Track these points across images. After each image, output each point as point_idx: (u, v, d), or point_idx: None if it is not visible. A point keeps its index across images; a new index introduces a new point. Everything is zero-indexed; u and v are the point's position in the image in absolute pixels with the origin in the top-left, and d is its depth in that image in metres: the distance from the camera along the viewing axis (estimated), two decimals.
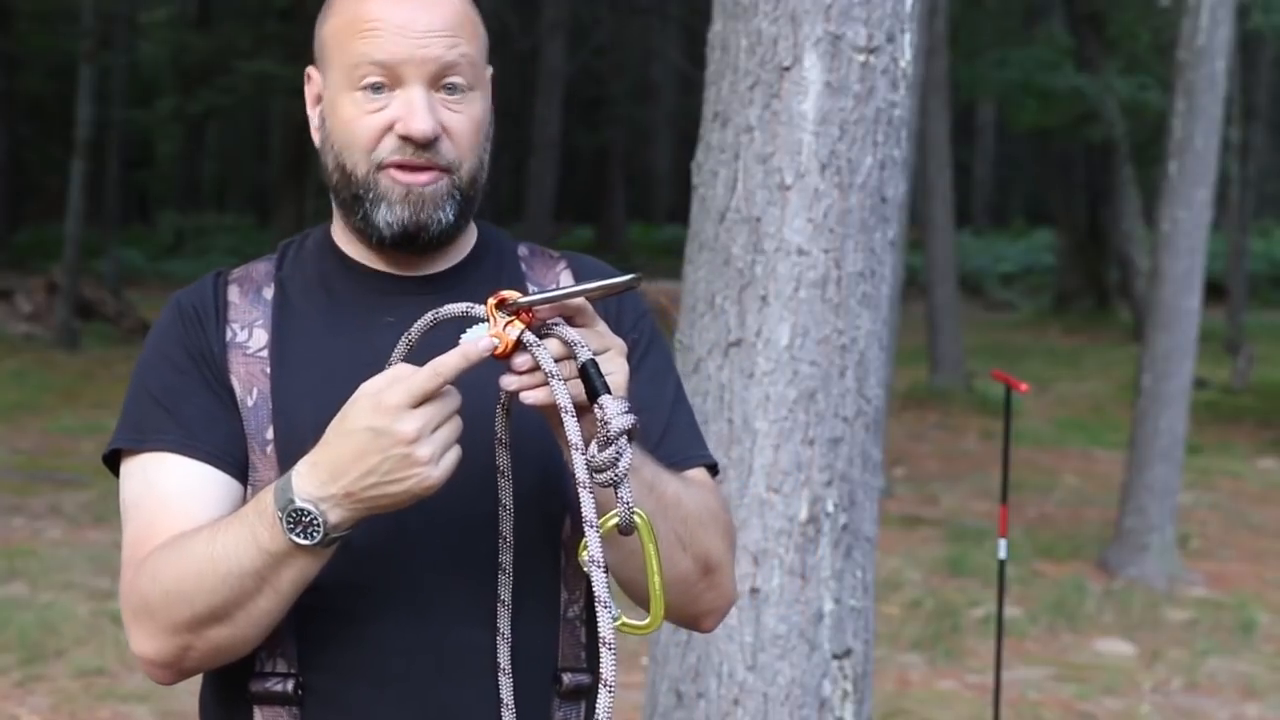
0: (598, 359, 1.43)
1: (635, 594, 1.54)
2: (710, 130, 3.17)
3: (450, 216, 1.60)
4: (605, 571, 1.39)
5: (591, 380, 1.41)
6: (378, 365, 1.53)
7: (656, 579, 1.45)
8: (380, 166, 1.57)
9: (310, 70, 1.66)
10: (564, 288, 1.45)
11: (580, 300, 1.44)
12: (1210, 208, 8.25)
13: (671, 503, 1.55)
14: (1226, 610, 7.44)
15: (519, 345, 1.42)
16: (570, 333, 1.43)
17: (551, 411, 1.43)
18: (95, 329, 16.13)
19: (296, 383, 1.60)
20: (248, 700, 1.57)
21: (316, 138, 1.65)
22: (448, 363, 1.41)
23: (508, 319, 1.42)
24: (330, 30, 1.61)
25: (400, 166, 1.57)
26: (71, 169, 16.48)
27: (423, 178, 1.57)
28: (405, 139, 1.56)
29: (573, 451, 1.40)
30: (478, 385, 1.48)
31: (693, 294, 3.20)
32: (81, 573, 6.99)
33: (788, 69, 3.01)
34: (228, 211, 33.18)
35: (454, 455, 1.43)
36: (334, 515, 1.43)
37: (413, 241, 1.60)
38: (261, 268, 1.68)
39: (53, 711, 5.33)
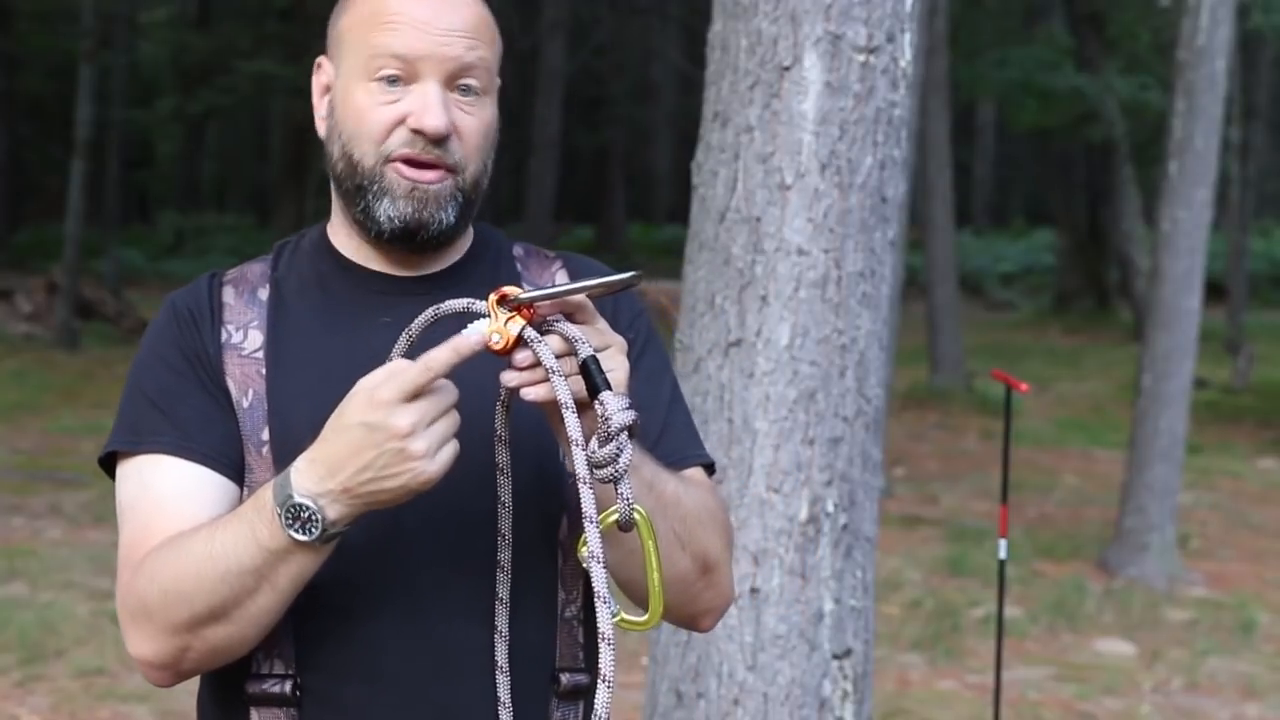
0: (598, 356, 1.43)
1: (634, 594, 1.54)
2: (710, 130, 3.16)
3: (451, 217, 1.60)
4: (604, 567, 1.39)
5: (592, 376, 1.41)
6: (375, 365, 1.52)
7: (656, 575, 1.45)
8: (388, 159, 1.58)
9: (322, 59, 1.66)
10: (565, 285, 1.45)
11: (581, 297, 1.44)
12: (1210, 207, 8.25)
13: (670, 501, 1.55)
14: (1226, 610, 7.44)
15: (520, 341, 1.42)
16: (571, 329, 1.43)
17: (551, 408, 1.43)
18: (95, 329, 16.13)
19: (292, 384, 1.60)
20: (245, 701, 1.57)
21: (322, 127, 1.65)
22: (438, 357, 1.41)
23: (509, 314, 1.42)
24: (350, 20, 1.61)
25: (408, 161, 1.57)
26: (71, 169, 16.48)
27: (429, 175, 1.57)
28: (417, 133, 1.56)
29: (573, 447, 1.40)
30: (477, 383, 1.48)
31: (693, 294, 3.20)
32: (81, 573, 6.99)
33: (788, 69, 3.01)
34: (228, 211, 33.19)
35: (450, 450, 1.43)
36: (332, 511, 1.43)
37: (411, 238, 1.60)
38: (256, 269, 1.68)
39: (53, 711, 5.33)
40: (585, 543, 1.40)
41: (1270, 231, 26.61)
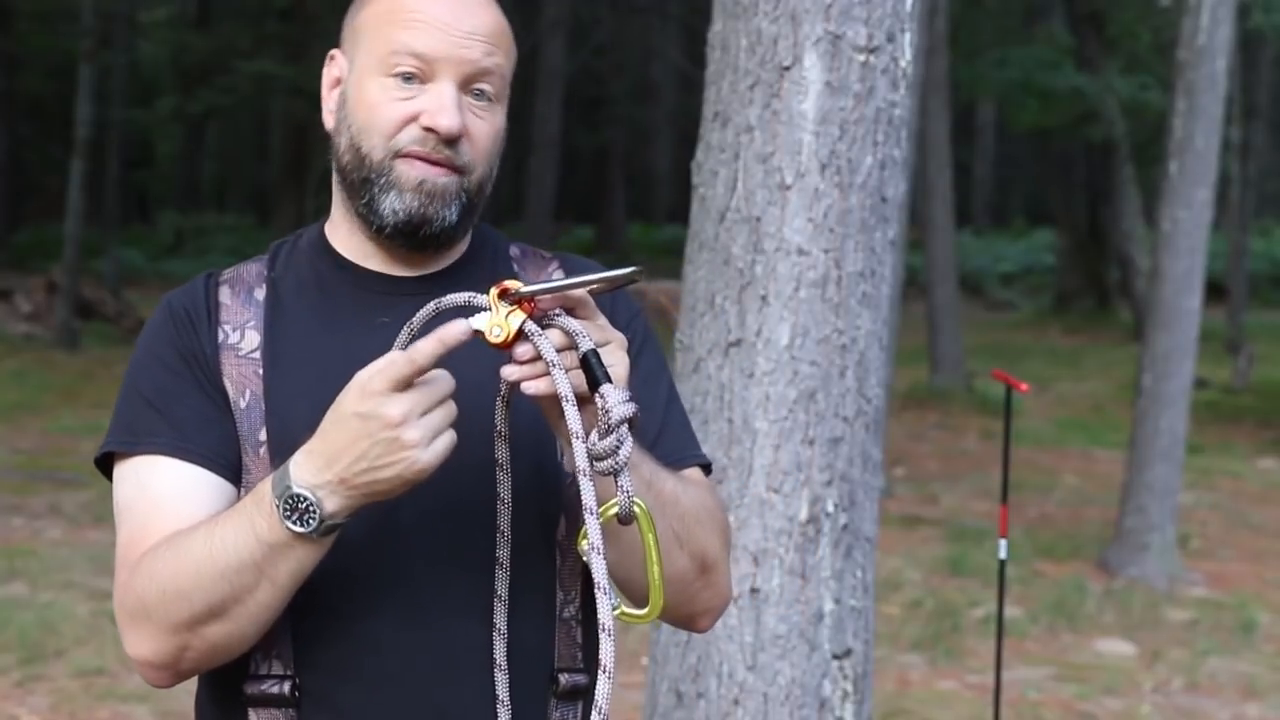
0: (599, 351, 1.43)
1: (632, 593, 1.54)
2: (710, 130, 3.16)
3: (454, 216, 1.60)
4: (604, 559, 1.39)
5: (593, 370, 1.41)
6: None
7: (655, 569, 1.45)
8: (397, 154, 1.58)
9: (335, 52, 1.67)
10: (566, 279, 1.45)
11: (581, 293, 1.44)
12: (1210, 207, 8.25)
13: (669, 500, 1.55)
14: (1227, 610, 7.44)
15: (520, 335, 1.42)
16: (572, 323, 1.43)
17: (550, 403, 1.43)
18: (95, 329, 16.13)
19: (290, 384, 1.60)
20: (243, 702, 1.57)
21: (330, 120, 1.66)
22: (423, 349, 1.41)
23: (509, 308, 1.42)
24: (369, 15, 1.62)
25: (418, 158, 1.58)
26: (71, 169, 16.48)
27: (438, 170, 1.58)
28: (429, 131, 1.57)
29: (573, 440, 1.40)
30: (475, 380, 1.48)
31: (693, 294, 3.20)
32: (81, 573, 6.99)
33: (788, 69, 3.01)
34: (228, 211, 33.18)
35: (446, 440, 1.43)
36: (330, 503, 1.43)
37: (414, 234, 1.60)
38: (253, 269, 1.68)
39: (52, 711, 5.33)
40: (585, 535, 1.40)
41: (1270, 231, 26.61)
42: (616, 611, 1.40)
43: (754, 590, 3.05)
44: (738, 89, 3.08)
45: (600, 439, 1.40)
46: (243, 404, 1.59)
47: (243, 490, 1.58)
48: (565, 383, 1.40)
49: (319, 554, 1.47)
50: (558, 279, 1.69)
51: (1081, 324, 21.03)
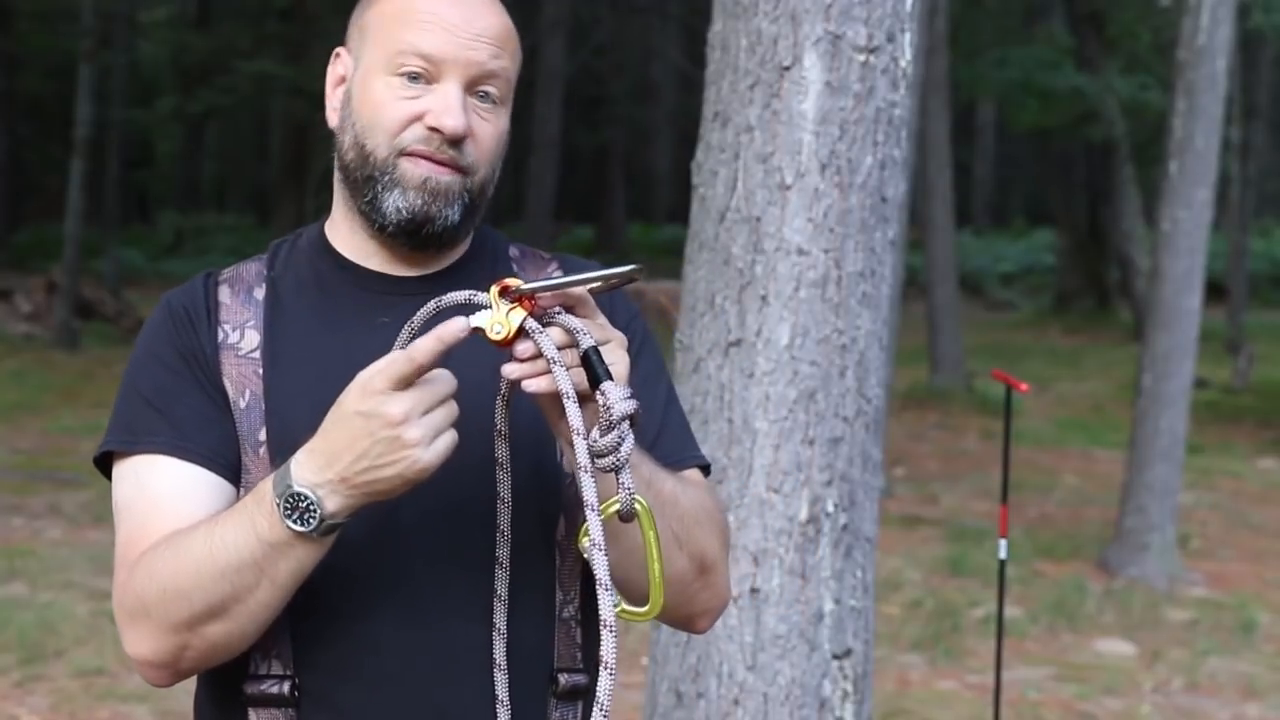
0: (599, 348, 1.43)
1: (630, 594, 1.54)
2: (710, 130, 3.16)
3: (456, 216, 1.61)
4: (606, 555, 1.39)
5: (594, 367, 1.41)
6: None
7: (656, 566, 1.45)
8: (402, 152, 1.59)
9: (340, 50, 1.67)
10: (566, 277, 1.45)
11: (581, 291, 1.44)
12: (1210, 207, 8.25)
13: (669, 501, 1.55)
14: (1227, 610, 7.44)
15: (521, 332, 1.41)
16: (573, 321, 1.43)
17: (551, 402, 1.43)
18: (95, 329, 16.13)
19: (290, 383, 1.60)
20: (243, 702, 1.57)
21: (334, 117, 1.66)
22: (422, 347, 1.41)
23: (510, 306, 1.42)
24: (377, 14, 1.62)
25: (423, 157, 1.58)
26: (71, 169, 16.48)
27: (442, 169, 1.59)
28: (434, 131, 1.57)
29: (574, 437, 1.40)
30: (475, 379, 1.48)
31: (693, 294, 3.20)
32: (81, 573, 6.99)
33: (788, 69, 3.01)
34: (228, 211, 33.18)
35: (447, 440, 1.43)
36: (330, 502, 1.43)
37: (416, 232, 1.60)
38: (252, 268, 1.68)
39: (52, 711, 5.33)
40: (587, 532, 1.40)
41: (1270, 231, 26.61)
42: (618, 609, 1.40)
43: (754, 590, 3.05)
44: (738, 89, 3.08)
45: (601, 436, 1.40)
46: (242, 404, 1.59)
47: (242, 490, 1.58)
48: (566, 380, 1.40)
49: (319, 553, 1.47)
50: (558, 278, 1.70)
51: (1081, 324, 21.03)
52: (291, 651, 1.56)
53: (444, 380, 1.43)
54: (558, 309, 1.43)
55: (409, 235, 1.61)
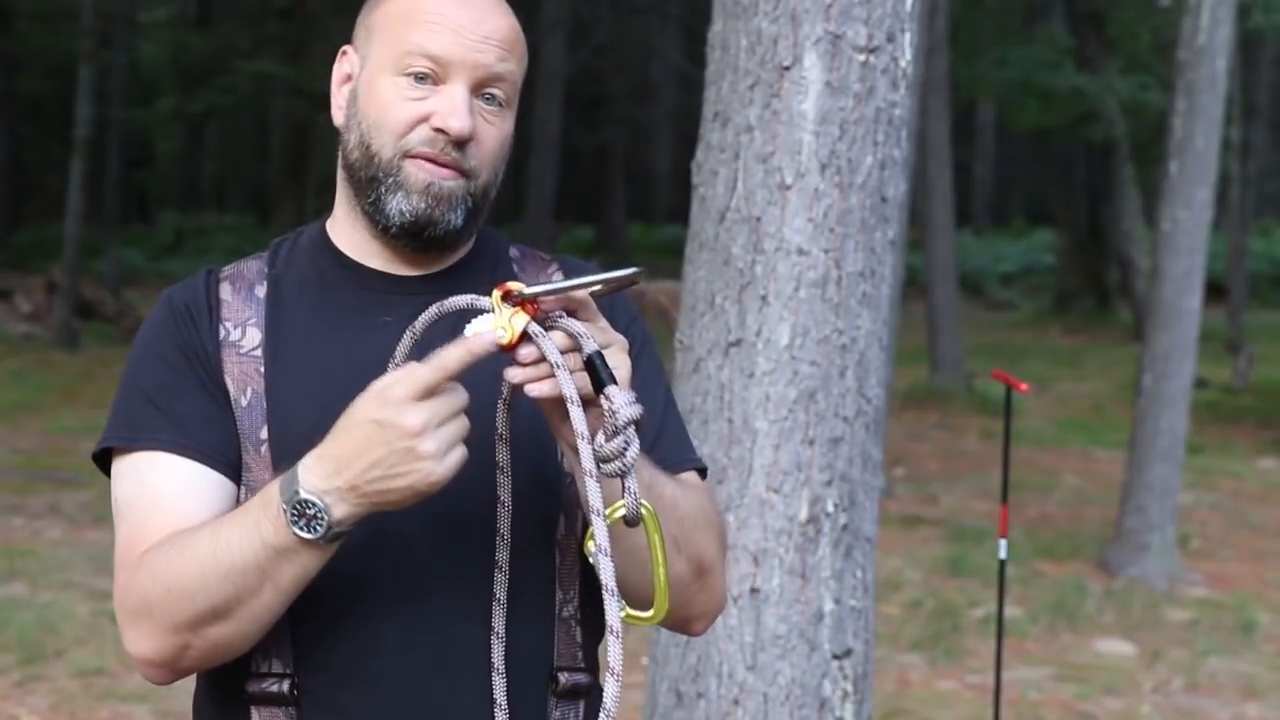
0: (602, 352, 1.43)
1: (630, 595, 1.54)
2: (710, 130, 3.16)
3: (459, 220, 1.60)
4: (611, 560, 1.39)
5: (598, 371, 1.41)
6: (375, 364, 1.52)
7: (661, 571, 1.45)
8: (406, 154, 1.58)
9: (347, 48, 1.67)
10: (568, 281, 1.45)
11: (583, 294, 1.44)
12: (1210, 207, 8.25)
13: (669, 504, 1.55)
14: (1227, 610, 7.44)
15: (524, 337, 1.41)
16: (576, 325, 1.43)
17: (553, 405, 1.43)
18: (95, 329, 16.13)
19: (291, 382, 1.59)
20: (244, 701, 1.57)
21: (339, 116, 1.66)
22: (451, 356, 1.40)
23: (513, 310, 1.42)
24: (385, 14, 1.62)
25: (427, 159, 1.58)
26: (71, 169, 16.48)
27: (446, 172, 1.58)
28: (440, 132, 1.57)
29: (579, 441, 1.40)
30: (474, 382, 1.48)
31: (693, 294, 3.19)
32: (81, 573, 6.99)
33: (788, 68, 3.01)
34: (227, 211, 33.18)
35: (459, 454, 1.43)
36: (338, 509, 1.43)
37: (419, 234, 1.60)
38: (253, 265, 1.68)
39: (52, 711, 5.33)
40: (592, 537, 1.40)
41: (1270, 231, 26.61)
42: (623, 614, 1.40)
43: (754, 590, 3.05)
44: (738, 89, 3.08)
45: (607, 441, 1.40)
46: (244, 402, 1.59)
47: (243, 488, 1.58)
48: (570, 384, 1.40)
49: (324, 559, 1.47)
50: (559, 281, 1.70)
51: (1081, 324, 21.03)
52: (292, 651, 1.56)
53: (459, 393, 1.43)
54: (560, 313, 1.43)
55: (412, 237, 1.61)
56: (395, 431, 1.39)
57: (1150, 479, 8.03)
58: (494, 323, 1.42)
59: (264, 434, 1.58)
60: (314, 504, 1.42)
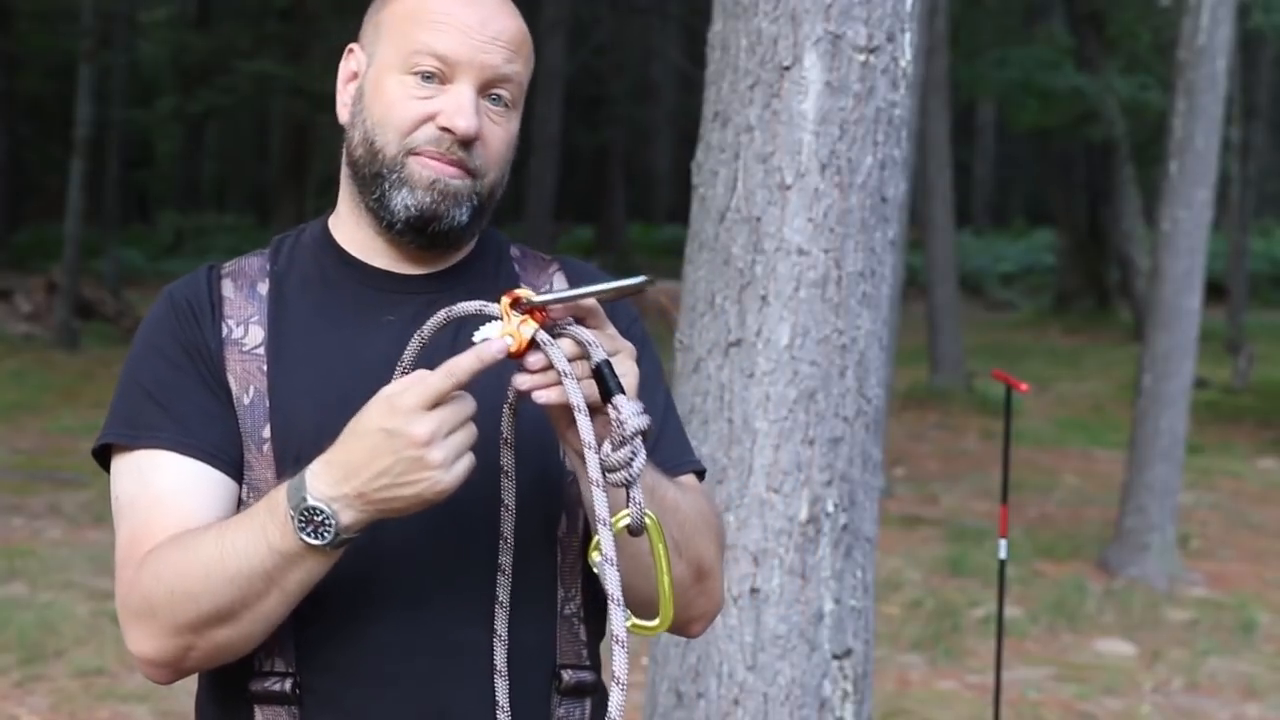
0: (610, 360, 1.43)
1: (633, 599, 1.54)
2: (710, 130, 3.16)
3: (465, 217, 1.60)
4: (617, 570, 1.39)
5: (606, 381, 1.41)
6: (377, 363, 1.52)
7: (666, 579, 1.45)
8: (411, 151, 1.58)
9: (353, 45, 1.67)
10: (577, 289, 1.45)
11: (591, 302, 1.44)
12: (1210, 207, 8.25)
13: (670, 508, 1.55)
14: (1227, 610, 7.44)
15: (532, 344, 1.41)
16: (585, 333, 1.43)
17: (560, 412, 1.43)
18: (95, 329, 16.13)
19: (294, 381, 1.59)
20: (246, 700, 1.57)
21: (344, 113, 1.66)
22: (462, 364, 1.40)
23: (521, 318, 1.42)
24: (393, 13, 1.62)
25: (432, 158, 1.58)
26: (71, 169, 16.48)
27: (452, 170, 1.58)
28: (446, 131, 1.57)
29: (586, 450, 1.40)
30: (480, 385, 1.48)
31: (693, 294, 3.20)
32: (81, 573, 6.99)
33: (788, 68, 3.01)
34: (227, 211, 33.18)
35: (467, 462, 1.43)
36: (346, 516, 1.43)
37: (423, 229, 1.60)
38: (255, 262, 1.68)
39: (52, 711, 5.33)
40: (597, 546, 1.40)
41: (1270, 231, 26.60)
42: (629, 623, 1.40)
43: (754, 590, 3.05)
44: (738, 89, 3.08)
45: (614, 450, 1.40)
46: (246, 400, 1.58)
47: (245, 487, 1.58)
48: (578, 393, 1.40)
49: (329, 564, 1.47)
50: (560, 283, 1.70)
51: (1081, 324, 21.03)
52: (295, 650, 1.56)
53: (467, 402, 1.43)
54: (568, 320, 1.43)
55: (417, 233, 1.61)
56: (404, 440, 1.39)
57: (1150, 479, 8.03)
58: (502, 329, 1.42)
59: (266, 433, 1.57)
60: (322, 511, 1.42)
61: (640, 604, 1.47)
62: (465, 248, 1.68)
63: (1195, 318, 8.17)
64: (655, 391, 1.69)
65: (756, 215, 3.04)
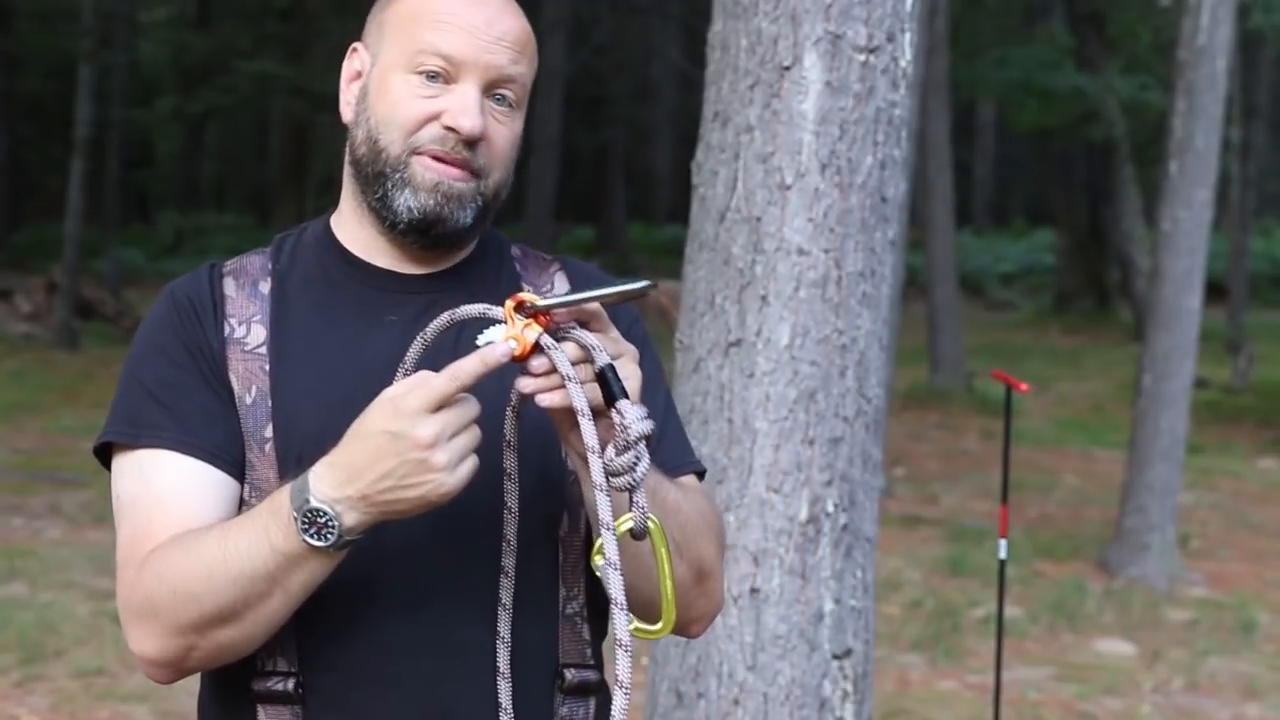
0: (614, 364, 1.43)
1: (635, 601, 1.54)
2: (710, 130, 3.16)
3: (469, 218, 1.60)
4: (621, 574, 1.39)
5: (609, 385, 1.41)
6: (380, 363, 1.52)
7: (668, 583, 1.45)
8: (415, 151, 1.58)
9: (357, 45, 1.67)
10: (581, 293, 1.45)
11: (595, 305, 1.44)
12: (1211, 207, 8.25)
13: (671, 510, 1.55)
14: (1227, 610, 7.44)
15: (536, 348, 1.41)
16: (588, 337, 1.43)
17: (563, 415, 1.43)
18: (95, 329, 16.13)
19: (296, 380, 1.59)
20: (249, 700, 1.57)
21: (348, 112, 1.66)
22: (466, 367, 1.40)
23: (525, 321, 1.42)
24: (397, 13, 1.62)
25: (436, 157, 1.58)
26: (71, 169, 16.48)
27: (455, 172, 1.59)
28: (450, 130, 1.57)
29: (589, 455, 1.40)
30: (482, 388, 1.48)
31: (693, 294, 3.20)
32: (81, 573, 6.99)
33: (788, 68, 3.01)
34: (227, 211, 33.18)
35: (470, 464, 1.43)
36: (349, 518, 1.43)
37: (426, 232, 1.60)
38: (256, 261, 1.67)
39: (52, 711, 5.33)
40: (600, 551, 1.40)
41: (1270, 231, 26.60)
42: (632, 628, 1.40)
43: (754, 590, 3.05)
44: (738, 89, 3.08)
45: (618, 455, 1.40)
46: (248, 400, 1.58)
47: (246, 487, 1.57)
48: (581, 397, 1.40)
49: (332, 565, 1.47)
50: (561, 283, 1.70)
51: (1081, 324, 21.03)
52: (297, 650, 1.56)
53: (471, 404, 1.43)
54: (572, 324, 1.43)
55: (420, 233, 1.61)
56: (408, 443, 1.39)
57: (1150, 479, 8.03)
58: (506, 333, 1.42)
59: (268, 432, 1.57)
60: (325, 512, 1.42)
61: (642, 606, 1.48)
62: (467, 248, 1.68)
63: (1195, 318, 8.17)
64: (656, 392, 1.69)
65: (756, 215, 3.04)
